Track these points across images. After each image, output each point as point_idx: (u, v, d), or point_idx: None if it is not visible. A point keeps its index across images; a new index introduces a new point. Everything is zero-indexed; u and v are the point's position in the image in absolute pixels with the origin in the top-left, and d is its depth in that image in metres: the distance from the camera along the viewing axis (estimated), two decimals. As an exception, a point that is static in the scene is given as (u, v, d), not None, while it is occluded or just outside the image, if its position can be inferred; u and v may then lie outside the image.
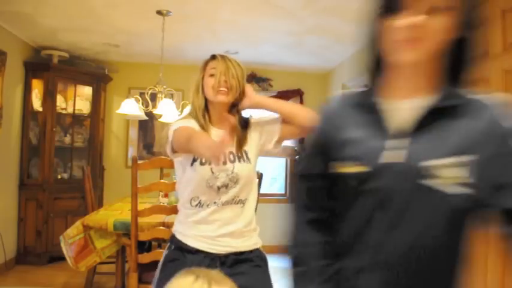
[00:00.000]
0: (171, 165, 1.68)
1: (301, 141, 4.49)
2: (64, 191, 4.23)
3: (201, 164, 1.41)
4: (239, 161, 1.46)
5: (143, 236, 2.21)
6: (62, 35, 3.87)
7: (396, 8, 0.71)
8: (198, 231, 1.45)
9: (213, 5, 3.09)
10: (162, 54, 3.60)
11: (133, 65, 4.83)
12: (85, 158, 4.48)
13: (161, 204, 2.59)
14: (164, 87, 3.39)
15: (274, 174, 5.39)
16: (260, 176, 2.95)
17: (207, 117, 1.49)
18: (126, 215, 2.61)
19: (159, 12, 3.21)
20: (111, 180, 4.76)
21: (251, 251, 1.48)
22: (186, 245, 1.45)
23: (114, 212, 2.84)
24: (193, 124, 1.46)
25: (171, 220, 2.29)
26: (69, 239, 2.58)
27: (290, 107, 1.53)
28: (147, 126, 4.83)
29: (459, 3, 0.71)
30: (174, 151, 1.43)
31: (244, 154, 1.48)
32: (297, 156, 4.61)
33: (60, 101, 4.32)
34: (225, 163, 1.40)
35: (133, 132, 4.88)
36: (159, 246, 3.35)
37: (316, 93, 5.10)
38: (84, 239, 2.60)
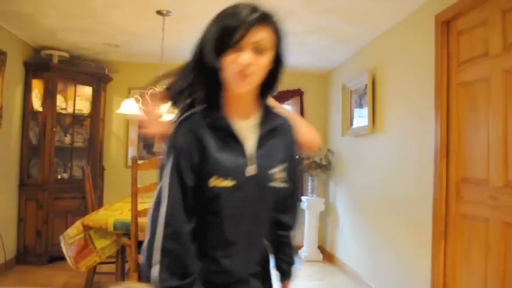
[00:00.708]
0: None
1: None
2: (64, 191, 4.23)
3: None
4: None
5: (143, 236, 2.20)
6: (62, 35, 3.87)
7: (231, 46, 0.90)
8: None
9: (213, 5, 3.07)
10: (162, 54, 3.61)
11: (133, 65, 4.83)
12: (85, 158, 4.48)
13: (161, 204, 2.59)
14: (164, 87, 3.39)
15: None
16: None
17: None
18: (126, 215, 2.61)
19: (159, 12, 3.21)
20: (111, 180, 4.76)
21: None
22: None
23: (114, 212, 2.84)
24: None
25: (171, 220, 2.28)
26: (69, 239, 2.58)
27: None
28: (147, 126, 4.83)
29: (277, 44, 0.96)
30: None
31: None
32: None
33: (60, 101, 4.32)
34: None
35: (134, 132, 4.88)
36: (159, 246, 3.35)
37: (316, 93, 5.11)
38: (84, 239, 2.60)
